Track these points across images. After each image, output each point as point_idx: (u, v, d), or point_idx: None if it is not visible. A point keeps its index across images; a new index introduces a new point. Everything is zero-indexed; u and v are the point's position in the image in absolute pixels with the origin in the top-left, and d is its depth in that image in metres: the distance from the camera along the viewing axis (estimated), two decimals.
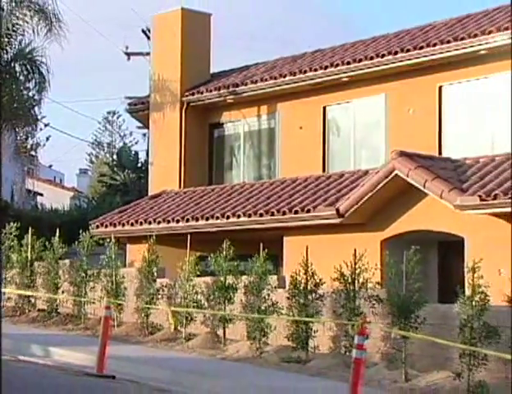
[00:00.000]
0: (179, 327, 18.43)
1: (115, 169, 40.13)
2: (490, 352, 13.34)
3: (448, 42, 19.76)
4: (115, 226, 23.35)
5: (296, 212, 19.48)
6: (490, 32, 19.09)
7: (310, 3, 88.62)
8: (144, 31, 30.13)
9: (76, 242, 21.36)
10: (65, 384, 12.99)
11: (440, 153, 19.83)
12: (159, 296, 19.28)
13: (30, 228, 22.07)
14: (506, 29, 18.73)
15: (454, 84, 20.28)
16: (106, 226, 23.56)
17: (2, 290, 20.65)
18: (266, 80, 23.49)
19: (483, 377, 13.46)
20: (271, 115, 24.09)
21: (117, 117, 65.32)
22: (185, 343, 17.74)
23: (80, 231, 21.29)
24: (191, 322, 18.22)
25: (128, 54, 31.79)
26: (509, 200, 16.13)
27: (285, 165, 23.44)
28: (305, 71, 22.57)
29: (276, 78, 23.22)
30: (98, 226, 23.66)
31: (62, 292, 21.20)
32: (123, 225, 23.28)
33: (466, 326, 13.73)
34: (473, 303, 13.75)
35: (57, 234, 21.66)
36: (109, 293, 19.59)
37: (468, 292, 14.06)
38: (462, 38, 19.55)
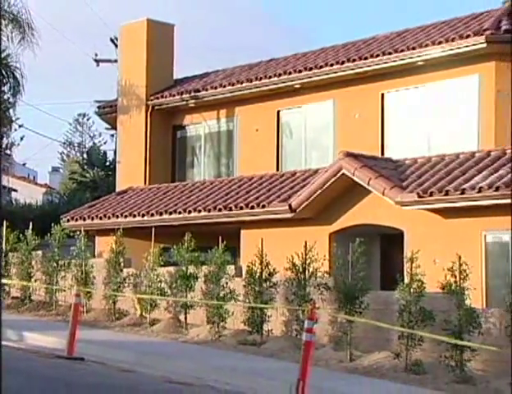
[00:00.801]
0: (144, 313, 18.43)
1: (85, 167, 39.86)
2: (425, 334, 13.56)
3: (389, 53, 19.90)
4: (84, 219, 23.24)
5: (252, 207, 19.51)
6: (426, 45, 19.29)
7: (265, 17, 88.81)
8: (112, 40, 30.00)
9: (48, 235, 21.21)
10: (36, 366, 12.99)
11: (382, 153, 19.94)
12: (125, 285, 19.26)
13: (5, 222, 21.92)
14: (440, 43, 19.00)
15: (394, 91, 20.40)
16: (76, 220, 23.41)
17: None
18: (225, 86, 23.50)
19: (419, 357, 13.74)
20: (229, 118, 24.07)
21: (87, 119, 64.58)
22: (149, 328, 17.75)
23: (52, 225, 21.18)
24: (155, 309, 18.23)
25: (97, 61, 31.61)
26: (444, 197, 16.30)
27: (242, 164, 23.46)
28: (261, 78, 22.59)
29: (234, 84, 23.23)
30: (68, 220, 23.50)
31: (35, 281, 21.04)
32: (92, 219, 23.17)
33: (405, 310, 13.94)
34: (411, 290, 13.98)
35: (31, 227, 21.55)
36: (79, 282, 19.50)
37: (406, 280, 14.26)
38: (401, 51, 19.70)
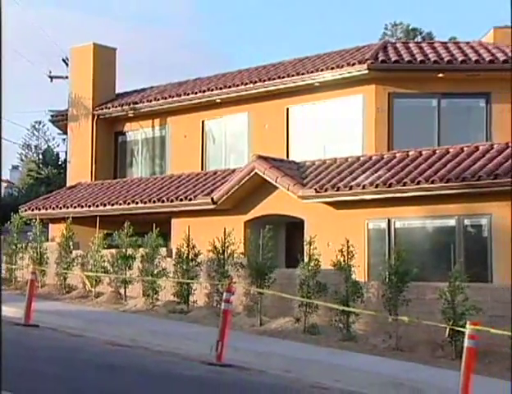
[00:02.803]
0: (90, 288, 18.25)
1: (40, 166, 39.15)
2: (320, 302, 13.77)
3: (293, 75, 20.08)
4: (40, 209, 22.85)
5: (181, 200, 19.46)
6: (321, 70, 19.54)
7: (193, 43, 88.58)
8: (63, 60, 29.43)
9: (9, 222, 20.92)
10: None
11: (287, 157, 20.07)
12: (74, 264, 19.10)
13: None
14: (332, 68, 19.27)
15: (297, 106, 20.54)
16: (32, 210, 23.01)
17: None
18: (158, 99, 23.41)
19: (315, 321, 13.94)
20: (162, 126, 23.96)
21: (43, 126, 63.38)
22: (94, 300, 17.63)
23: (12, 214, 20.90)
24: (99, 284, 18.10)
25: (51, 77, 31.00)
26: (336, 192, 16.44)
27: (172, 164, 23.37)
28: (188, 94, 22.59)
29: (166, 98, 23.16)
30: (26, 210, 23.10)
31: None
32: (46, 209, 22.80)
33: (304, 284, 14.11)
34: (309, 267, 14.17)
35: None
36: (35, 261, 19.25)
37: (306, 259, 14.42)
38: (302, 74, 19.91)
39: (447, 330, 11.94)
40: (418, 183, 15.32)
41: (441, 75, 18.84)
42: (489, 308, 12.37)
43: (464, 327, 10.02)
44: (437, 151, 16.88)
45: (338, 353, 12.13)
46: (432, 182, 15.13)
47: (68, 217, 20.04)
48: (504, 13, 70.93)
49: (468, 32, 75.25)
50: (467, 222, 15.16)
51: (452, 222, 15.32)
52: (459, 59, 18.83)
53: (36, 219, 20.49)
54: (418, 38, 47.68)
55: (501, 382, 10.53)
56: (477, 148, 16.30)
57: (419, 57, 19.07)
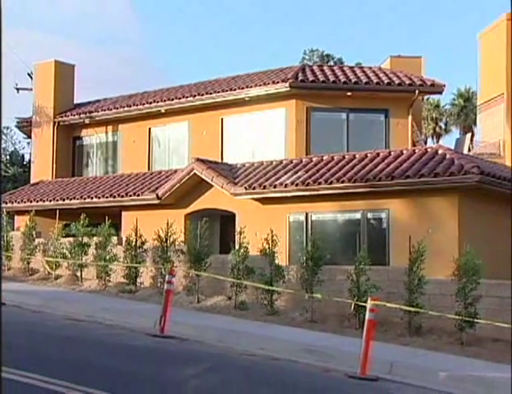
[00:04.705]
0: (50, 271, 17.91)
1: (7, 165, 37.91)
2: (248, 283, 13.88)
3: (227, 91, 20.04)
4: (6, 203, 22.12)
5: (130, 195, 19.20)
6: (251, 86, 19.58)
7: (141, 60, 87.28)
8: (29, 74, 28.62)
9: None
10: None
11: (222, 159, 20.03)
12: (37, 250, 18.68)
13: None
14: (260, 85, 19.32)
15: (230, 117, 20.51)
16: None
17: None
18: (111, 109, 23.04)
19: (244, 299, 14.03)
20: (114, 132, 23.60)
21: (10, 131, 61.59)
22: (54, 281, 17.29)
23: None
24: (59, 268, 17.77)
25: (18, 89, 30.14)
26: (263, 190, 16.43)
27: (123, 165, 23.04)
28: (137, 105, 22.29)
29: (118, 108, 22.80)
30: None
31: None
32: (12, 203, 22.14)
33: (235, 267, 14.16)
34: (240, 253, 14.19)
35: None
36: (2, 248, 18.71)
37: (237, 247, 14.45)
38: (235, 89, 19.89)
39: (352, 305, 12.22)
40: (331, 183, 15.54)
41: (349, 93, 19.21)
42: (386, 286, 12.72)
43: (365, 302, 10.30)
44: (346, 156, 17.17)
45: (263, 325, 12.24)
46: (342, 182, 15.38)
47: (31, 210, 19.71)
48: (398, 44, 72.75)
49: (370, 59, 76.99)
50: (369, 215, 15.48)
51: (358, 216, 15.62)
52: (364, 81, 19.26)
53: (3, 212, 19.92)
54: (331, 63, 48.34)
55: (394, 346, 10.89)
56: (378, 154, 16.67)
57: (332, 78, 19.40)
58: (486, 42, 22.01)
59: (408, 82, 19.29)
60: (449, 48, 71.39)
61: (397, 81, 19.31)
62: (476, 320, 11.05)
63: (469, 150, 21.58)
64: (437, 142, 48.25)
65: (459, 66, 70.30)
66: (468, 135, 23.76)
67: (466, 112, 48.34)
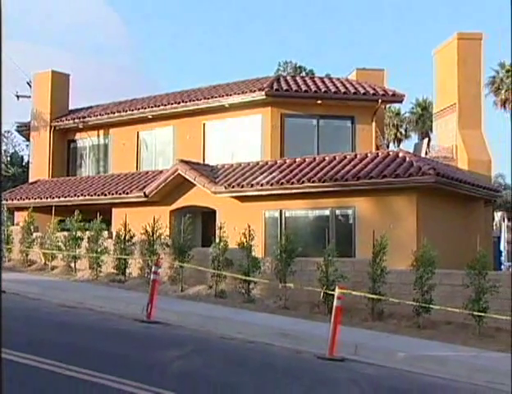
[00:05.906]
0: (47, 262, 17.73)
1: (8, 166, 37.43)
2: (227, 273, 13.85)
3: (208, 98, 20.02)
4: (7, 200, 21.90)
5: (120, 193, 19.11)
6: (230, 95, 19.57)
7: (131, 69, 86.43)
8: (28, 83, 28.31)
9: None
10: None
11: (203, 161, 19.99)
12: (34, 243, 18.47)
13: None
14: (239, 94, 19.33)
15: (211, 122, 20.47)
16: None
17: None
18: (103, 114, 22.87)
19: (224, 288, 13.99)
20: (106, 136, 23.42)
21: (10, 134, 60.87)
22: (50, 272, 17.10)
23: None
24: (54, 259, 17.59)
25: (17, 96, 29.81)
26: (241, 189, 16.45)
27: (114, 165, 22.87)
28: (127, 111, 22.15)
29: (109, 114, 22.63)
30: None
31: None
32: (12, 200, 21.89)
33: (215, 259, 14.12)
34: (220, 246, 14.15)
35: None
36: (2, 241, 18.52)
37: (217, 240, 14.39)
38: (216, 97, 19.84)
39: (322, 293, 12.31)
40: (303, 182, 15.62)
41: (319, 101, 19.31)
42: (352, 276, 12.82)
43: (333, 290, 10.38)
44: (317, 158, 17.27)
45: (241, 312, 12.25)
46: (313, 182, 15.46)
47: (30, 207, 19.56)
48: (363, 57, 73.22)
49: (338, 70, 77.43)
50: (338, 212, 15.58)
51: (327, 212, 15.72)
52: (332, 90, 19.38)
53: (4, 208, 19.71)
54: (303, 74, 48.51)
55: (359, 329, 11.00)
56: (345, 157, 16.80)
57: (304, 88, 19.47)
58: (439, 57, 22.32)
59: (372, 92, 19.46)
60: (408, 62, 72.35)
61: (362, 91, 19.48)
62: (431, 306, 11.21)
63: (426, 154, 21.81)
64: (398, 146, 48.71)
65: (417, 79, 71.34)
66: (426, 140, 24.05)
67: (423, 119, 48.90)
